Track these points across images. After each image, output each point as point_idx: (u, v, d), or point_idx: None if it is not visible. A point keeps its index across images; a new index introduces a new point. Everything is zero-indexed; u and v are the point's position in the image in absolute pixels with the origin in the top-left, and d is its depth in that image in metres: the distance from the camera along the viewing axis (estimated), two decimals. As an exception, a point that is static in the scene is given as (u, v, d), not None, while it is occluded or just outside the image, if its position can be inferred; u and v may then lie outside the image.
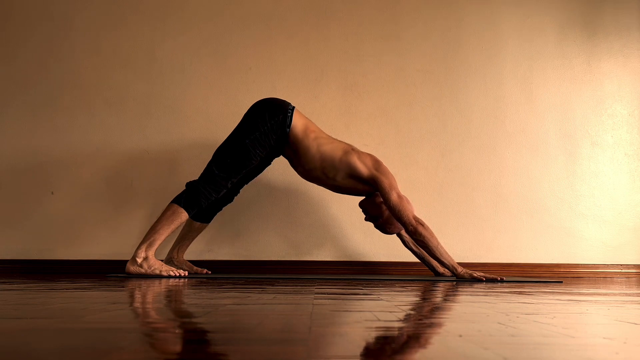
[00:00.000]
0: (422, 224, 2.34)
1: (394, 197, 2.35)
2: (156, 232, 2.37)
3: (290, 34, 3.09)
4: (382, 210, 2.48)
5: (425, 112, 3.05)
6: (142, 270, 2.33)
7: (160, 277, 2.30)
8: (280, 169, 2.97)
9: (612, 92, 3.09)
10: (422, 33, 3.10)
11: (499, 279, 2.32)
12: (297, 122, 2.42)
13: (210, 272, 2.61)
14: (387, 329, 0.81)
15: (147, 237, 2.38)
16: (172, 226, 2.39)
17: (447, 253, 2.37)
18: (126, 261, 2.41)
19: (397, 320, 0.90)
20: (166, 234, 2.39)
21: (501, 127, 3.05)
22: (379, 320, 0.91)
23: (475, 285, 1.99)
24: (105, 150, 3.03)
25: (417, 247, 2.67)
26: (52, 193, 3.00)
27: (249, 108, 2.50)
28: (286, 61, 3.07)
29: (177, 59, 3.08)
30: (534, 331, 0.80)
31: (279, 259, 2.95)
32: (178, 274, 2.34)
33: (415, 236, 2.35)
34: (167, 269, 2.35)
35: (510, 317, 0.97)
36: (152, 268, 2.33)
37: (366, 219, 2.58)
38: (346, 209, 2.97)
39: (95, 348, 0.64)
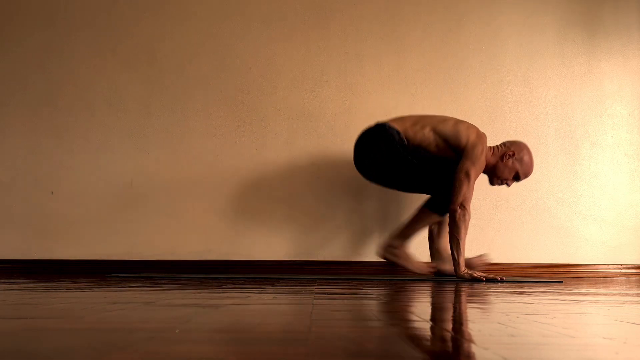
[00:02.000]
0: (465, 211, 2.37)
1: (462, 174, 2.38)
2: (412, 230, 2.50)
3: (290, 34, 3.09)
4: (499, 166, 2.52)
5: (425, 112, 3.05)
6: (396, 259, 2.46)
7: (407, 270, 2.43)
8: (280, 169, 2.97)
9: (612, 92, 3.09)
10: (422, 33, 3.10)
11: (499, 279, 2.32)
12: (400, 128, 2.47)
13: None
14: (388, 329, 0.81)
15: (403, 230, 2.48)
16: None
17: (462, 250, 2.37)
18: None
19: (397, 320, 0.90)
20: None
21: (501, 127, 3.05)
22: (380, 320, 0.91)
23: (475, 285, 1.99)
24: (105, 150, 3.03)
25: (438, 238, 2.65)
26: (52, 193, 3.00)
27: (358, 156, 2.52)
28: (286, 61, 3.07)
29: (177, 59, 3.08)
30: (534, 331, 0.80)
31: (279, 259, 2.95)
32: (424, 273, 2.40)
33: (451, 216, 2.38)
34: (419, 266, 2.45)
35: (510, 317, 0.97)
36: (405, 260, 2.47)
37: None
38: (346, 210, 2.97)
39: (95, 348, 0.64)
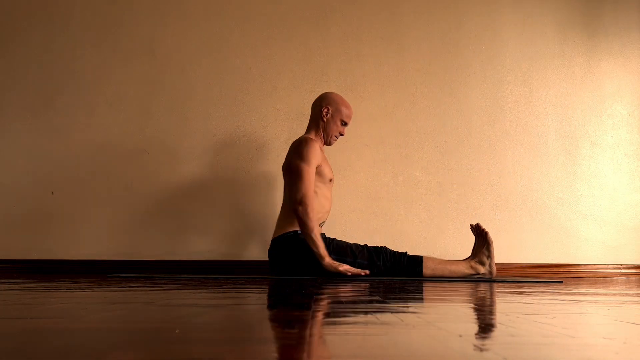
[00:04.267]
0: (306, 207, 2.36)
1: (294, 173, 2.45)
2: None
3: (290, 34, 3.09)
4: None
5: (425, 112, 3.05)
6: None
7: None
8: (280, 170, 2.97)
9: (612, 92, 3.09)
10: (422, 33, 3.10)
11: (362, 273, 2.32)
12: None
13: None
14: (388, 328, 0.81)
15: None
16: None
17: (318, 242, 2.34)
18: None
19: (398, 320, 0.90)
20: None
21: (501, 127, 3.05)
22: (379, 320, 0.91)
23: (474, 286, 1.99)
24: (105, 150, 3.03)
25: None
26: (52, 193, 3.00)
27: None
28: (286, 61, 3.07)
29: (177, 58, 3.08)
30: (534, 331, 0.80)
31: (279, 259, 2.94)
32: None
33: (296, 216, 2.39)
34: None
35: (510, 317, 0.97)
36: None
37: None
38: (345, 210, 2.97)
39: (95, 348, 0.64)
